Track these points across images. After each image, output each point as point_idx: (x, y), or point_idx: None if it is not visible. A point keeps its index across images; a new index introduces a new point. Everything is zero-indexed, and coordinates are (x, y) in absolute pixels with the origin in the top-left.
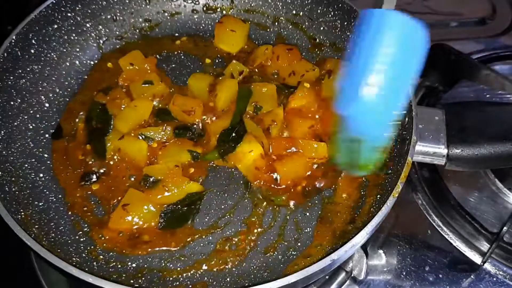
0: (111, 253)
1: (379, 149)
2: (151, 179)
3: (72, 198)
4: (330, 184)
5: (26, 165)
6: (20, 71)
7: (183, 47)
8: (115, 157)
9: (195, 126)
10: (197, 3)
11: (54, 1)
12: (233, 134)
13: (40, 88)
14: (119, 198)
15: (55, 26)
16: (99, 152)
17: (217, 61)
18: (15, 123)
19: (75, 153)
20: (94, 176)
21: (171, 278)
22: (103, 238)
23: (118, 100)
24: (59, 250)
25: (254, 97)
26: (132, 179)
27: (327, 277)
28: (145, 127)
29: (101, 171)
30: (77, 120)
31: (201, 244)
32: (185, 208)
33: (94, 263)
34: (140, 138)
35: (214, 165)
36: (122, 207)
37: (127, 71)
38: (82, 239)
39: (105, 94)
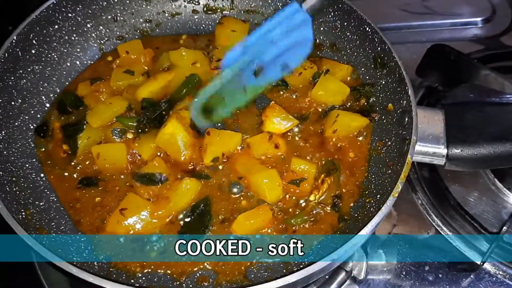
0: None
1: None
2: (139, 173)
3: (67, 202)
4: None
5: (27, 165)
6: (21, 71)
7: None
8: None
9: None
10: (197, 3)
11: (54, 2)
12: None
13: (41, 89)
14: (118, 202)
15: (56, 26)
16: (71, 149)
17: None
18: (16, 123)
19: (55, 152)
20: (92, 181)
21: (171, 277)
22: (101, 243)
23: (98, 93)
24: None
25: None
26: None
27: (327, 276)
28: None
29: (99, 177)
30: (52, 117)
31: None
32: (197, 216)
33: (95, 262)
34: (115, 133)
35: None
36: (119, 211)
37: (122, 58)
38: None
39: (92, 84)
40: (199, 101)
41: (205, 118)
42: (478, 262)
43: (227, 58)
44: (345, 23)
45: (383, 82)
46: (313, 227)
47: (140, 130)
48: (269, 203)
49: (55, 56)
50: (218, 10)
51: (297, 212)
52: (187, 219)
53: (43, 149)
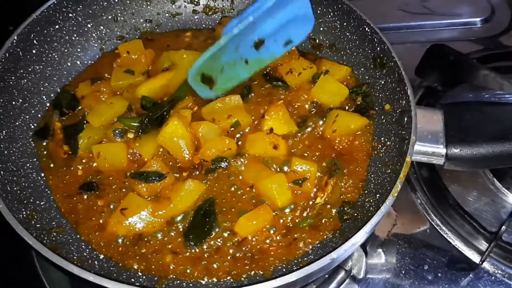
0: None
1: None
2: (137, 172)
3: (65, 205)
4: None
5: (28, 165)
6: (21, 71)
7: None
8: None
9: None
10: (197, 4)
11: (55, 2)
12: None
13: (42, 88)
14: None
15: (57, 26)
16: (72, 149)
17: None
18: (17, 123)
19: (56, 152)
20: (92, 186)
21: (172, 277)
22: (102, 244)
23: (98, 93)
24: (60, 249)
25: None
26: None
27: (326, 276)
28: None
29: (99, 180)
30: (53, 116)
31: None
32: (202, 218)
33: (95, 262)
34: (116, 133)
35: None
36: (120, 211)
37: (123, 58)
38: (83, 238)
39: (92, 84)
40: (195, 65)
41: (205, 86)
42: (477, 262)
43: (227, 26)
44: (345, 23)
45: (382, 82)
46: (315, 228)
47: (141, 131)
48: (280, 207)
49: (56, 56)
50: (218, 11)
51: (305, 215)
52: (191, 219)
53: (44, 151)
